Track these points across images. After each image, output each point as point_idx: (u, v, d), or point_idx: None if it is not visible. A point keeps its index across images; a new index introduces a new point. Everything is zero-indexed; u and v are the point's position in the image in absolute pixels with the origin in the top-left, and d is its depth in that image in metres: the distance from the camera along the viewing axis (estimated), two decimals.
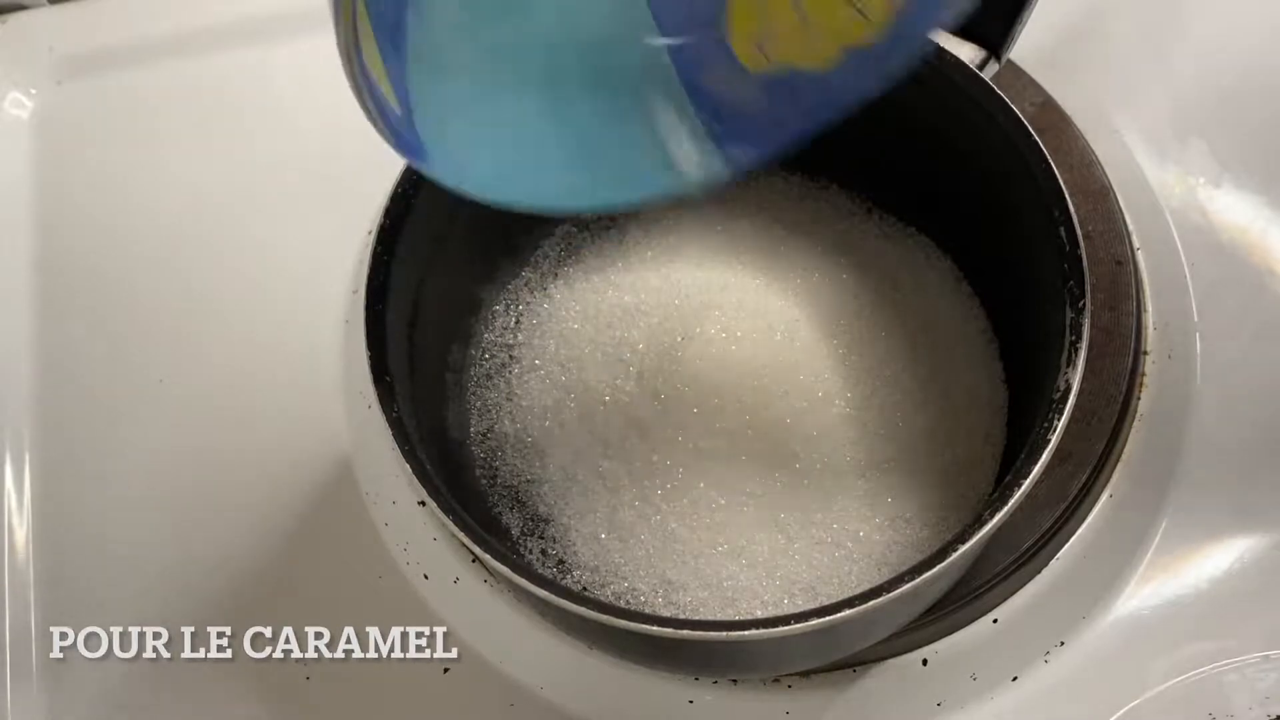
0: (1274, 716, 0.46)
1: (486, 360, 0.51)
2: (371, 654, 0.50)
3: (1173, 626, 0.47)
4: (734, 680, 0.48)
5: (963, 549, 0.37)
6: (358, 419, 0.53)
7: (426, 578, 0.51)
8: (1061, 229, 0.40)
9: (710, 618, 0.45)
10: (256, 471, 0.53)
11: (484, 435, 0.50)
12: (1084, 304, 0.39)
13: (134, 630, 0.51)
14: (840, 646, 0.44)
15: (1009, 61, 0.46)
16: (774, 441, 0.47)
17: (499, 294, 0.52)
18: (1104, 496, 0.50)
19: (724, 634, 0.37)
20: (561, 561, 0.47)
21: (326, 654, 0.50)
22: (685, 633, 0.37)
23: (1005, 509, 0.37)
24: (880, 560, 0.45)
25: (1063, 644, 0.48)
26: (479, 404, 0.50)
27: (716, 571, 0.45)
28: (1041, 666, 0.47)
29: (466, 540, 0.38)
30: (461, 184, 0.34)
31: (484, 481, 0.49)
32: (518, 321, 0.52)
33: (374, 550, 0.51)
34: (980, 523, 0.37)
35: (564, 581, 0.46)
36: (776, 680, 0.48)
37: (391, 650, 0.50)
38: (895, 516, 0.46)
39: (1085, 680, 0.47)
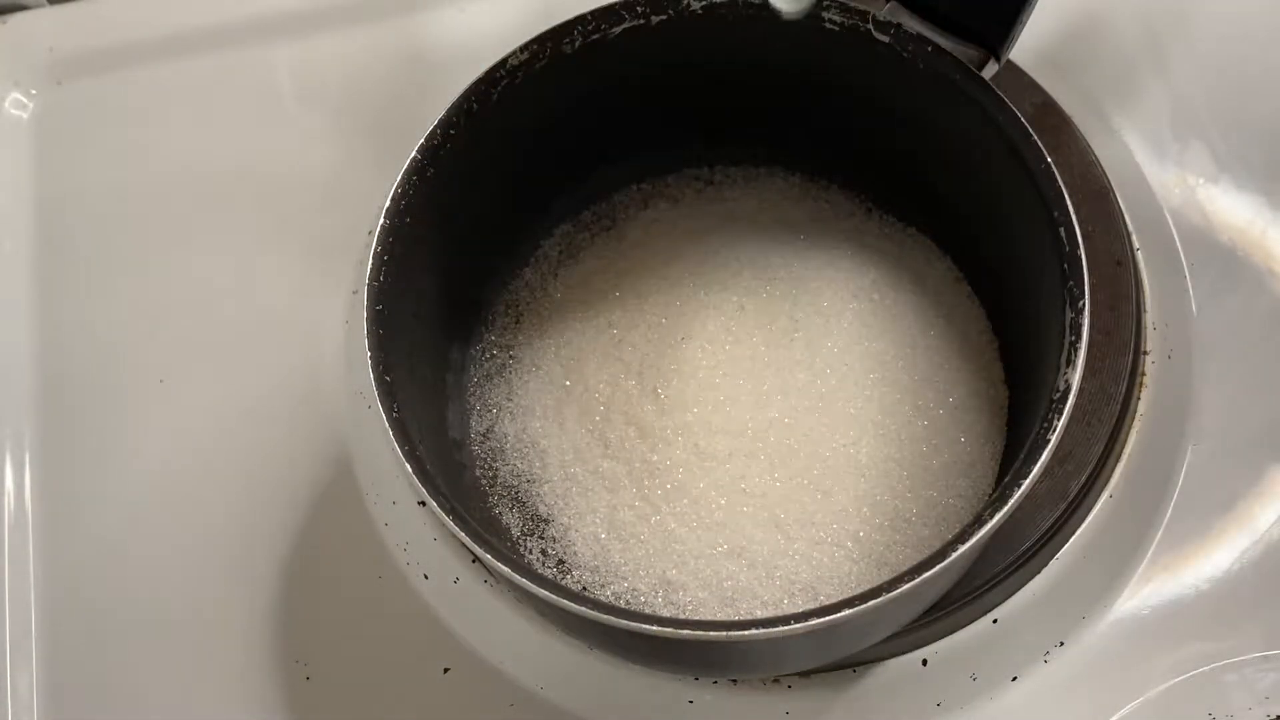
0: (1274, 716, 0.46)
1: (486, 360, 0.51)
2: (371, 654, 0.50)
3: (1173, 626, 0.47)
4: (734, 680, 0.48)
5: (963, 549, 0.37)
6: (358, 419, 0.53)
7: (426, 578, 0.51)
8: (1061, 229, 0.40)
9: (710, 618, 0.45)
10: (256, 471, 0.53)
11: (484, 435, 0.50)
12: (1084, 304, 0.39)
13: (134, 630, 0.51)
14: (840, 646, 0.44)
15: (1009, 61, 0.46)
16: (773, 441, 0.47)
17: (499, 294, 0.52)
18: (1104, 496, 0.50)
19: (724, 634, 0.37)
20: (561, 561, 0.47)
21: (326, 654, 0.50)
22: (685, 633, 0.37)
23: (1005, 509, 0.37)
24: (880, 560, 0.45)
25: (1063, 644, 0.48)
26: (479, 404, 0.50)
27: (716, 571, 0.45)
28: (1041, 666, 0.47)
29: (466, 540, 0.38)
30: None
31: (484, 481, 0.49)
32: (518, 321, 0.52)
33: (374, 550, 0.51)
34: (980, 523, 0.37)
35: (564, 581, 0.46)
36: (776, 680, 0.48)
37: (391, 650, 0.50)
38: (895, 516, 0.46)
39: (1085, 680, 0.47)
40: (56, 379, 0.56)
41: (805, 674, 0.48)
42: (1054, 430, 0.38)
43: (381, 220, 0.43)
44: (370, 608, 0.50)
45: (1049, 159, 0.41)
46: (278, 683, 0.50)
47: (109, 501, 0.54)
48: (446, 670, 0.49)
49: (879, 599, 0.36)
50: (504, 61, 0.45)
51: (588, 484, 0.48)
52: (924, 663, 0.48)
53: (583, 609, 0.37)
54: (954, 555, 0.37)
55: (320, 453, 0.53)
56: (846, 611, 0.36)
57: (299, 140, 0.60)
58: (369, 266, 0.42)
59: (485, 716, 0.49)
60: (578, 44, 0.45)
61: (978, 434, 0.47)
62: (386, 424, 0.40)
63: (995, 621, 0.48)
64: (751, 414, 0.47)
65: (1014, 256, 0.45)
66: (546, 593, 0.37)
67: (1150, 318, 0.52)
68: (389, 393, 0.41)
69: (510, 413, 0.50)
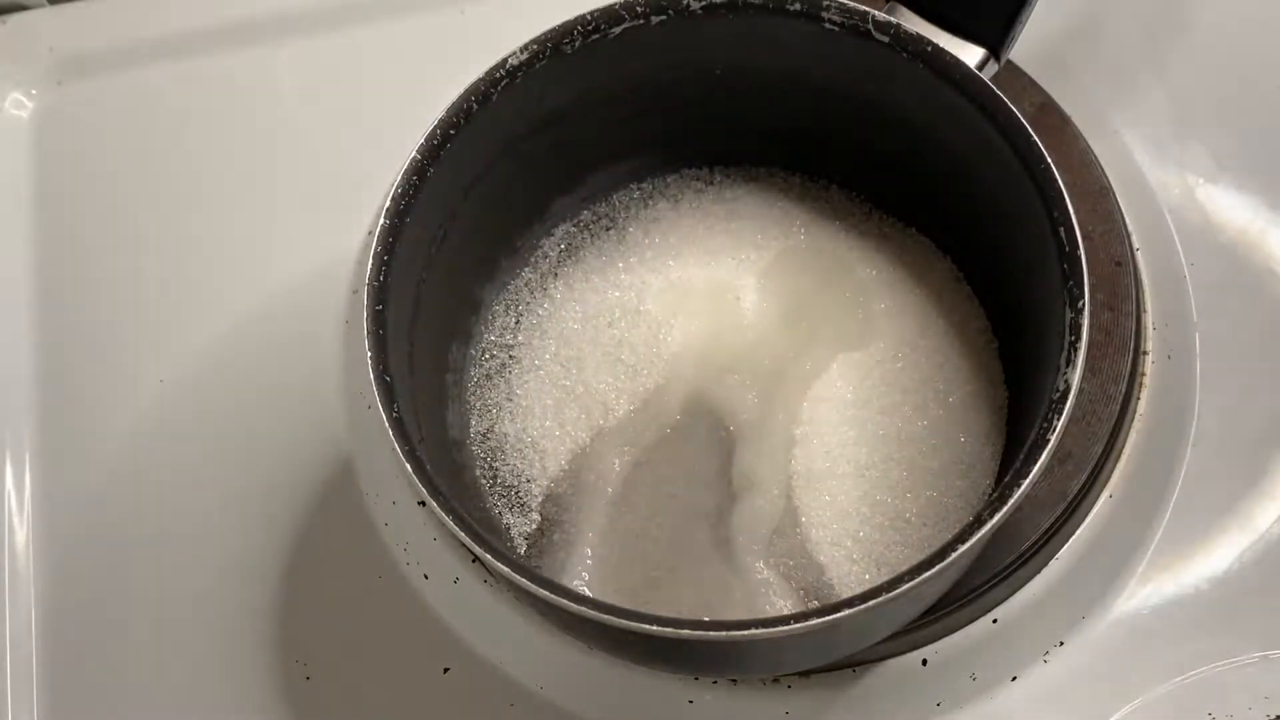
0: (1274, 716, 0.46)
1: (486, 360, 0.51)
2: (371, 654, 0.50)
3: (1173, 626, 0.47)
4: (734, 680, 0.48)
5: (963, 549, 0.37)
6: (358, 419, 0.53)
7: (426, 578, 0.51)
8: (1061, 229, 0.40)
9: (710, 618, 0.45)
10: (256, 472, 0.53)
11: (484, 435, 0.50)
12: (1084, 304, 0.39)
13: (133, 630, 0.51)
14: (840, 646, 0.44)
15: (1009, 61, 0.46)
16: (773, 441, 0.47)
17: (499, 294, 0.52)
18: (1104, 496, 0.50)
19: (724, 634, 0.37)
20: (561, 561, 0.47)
21: (326, 654, 0.50)
22: (685, 633, 0.37)
23: (1005, 509, 0.37)
24: (880, 560, 0.45)
25: (1062, 644, 0.48)
26: (479, 404, 0.50)
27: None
28: (1041, 666, 0.47)
29: (466, 540, 0.38)
30: None
31: (484, 481, 0.49)
32: (518, 321, 0.52)
33: (374, 550, 0.51)
34: (980, 523, 0.37)
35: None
36: (776, 680, 0.48)
37: (391, 650, 0.50)
38: (895, 516, 0.46)
39: (1085, 680, 0.47)
40: (56, 379, 0.56)
41: (805, 674, 0.48)
42: (1054, 430, 0.38)
43: (381, 220, 0.43)
44: (370, 608, 0.50)
45: (1049, 159, 0.41)
46: (278, 683, 0.50)
47: (109, 502, 0.54)
48: (446, 670, 0.49)
49: (879, 599, 0.36)
50: (504, 61, 0.45)
51: (587, 484, 0.48)
52: (924, 663, 0.48)
53: (583, 609, 0.37)
54: (954, 555, 0.37)
55: (320, 453, 0.53)
56: (846, 611, 0.36)
57: (299, 140, 0.60)
58: (369, 266, 0.42)
59: (485, 716, 0.49)
60: (578, 44, 0.45)
61: (978, 434, 0.47)
62: (386, 424, 0.40)
63: (995, 621, 0.48)
64: (751, 413, 0.47)
65: (1014, 257, 0.45)
66: (546, 593, 0.37)
67: (1150, 318, 0.52)
68: (389, 393, 0.41)
69: (510, 413, 0.50)
